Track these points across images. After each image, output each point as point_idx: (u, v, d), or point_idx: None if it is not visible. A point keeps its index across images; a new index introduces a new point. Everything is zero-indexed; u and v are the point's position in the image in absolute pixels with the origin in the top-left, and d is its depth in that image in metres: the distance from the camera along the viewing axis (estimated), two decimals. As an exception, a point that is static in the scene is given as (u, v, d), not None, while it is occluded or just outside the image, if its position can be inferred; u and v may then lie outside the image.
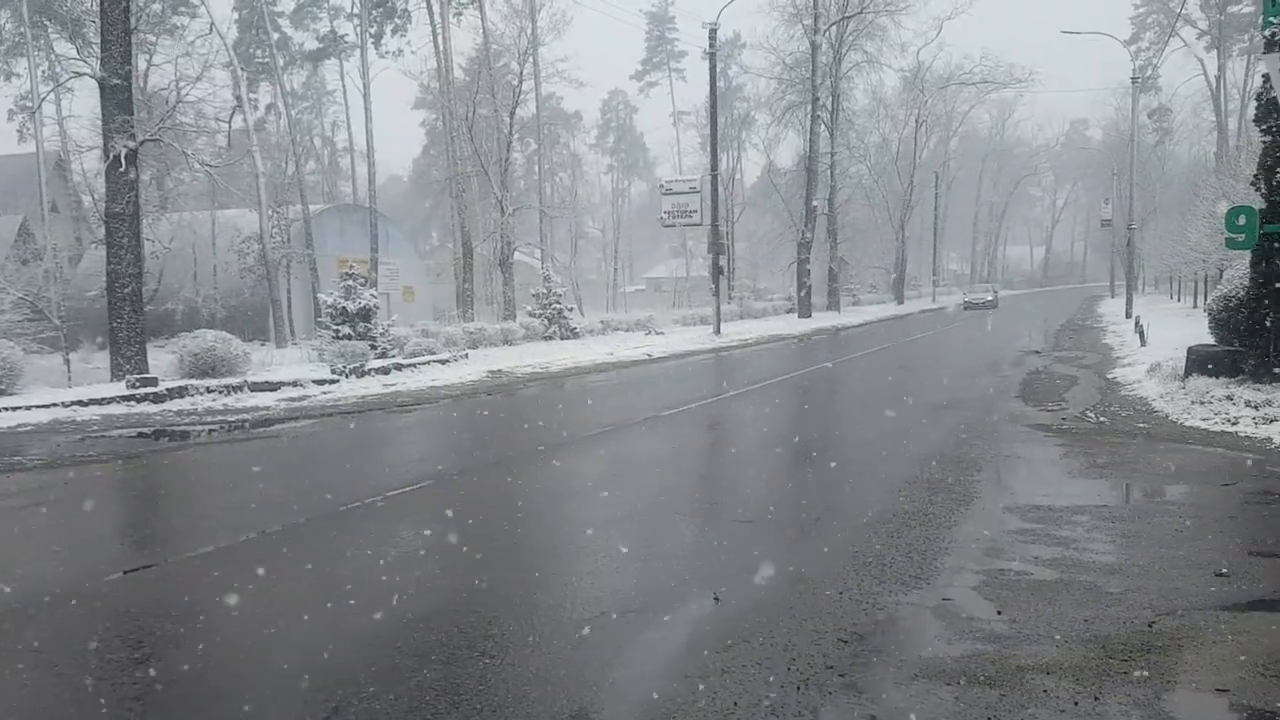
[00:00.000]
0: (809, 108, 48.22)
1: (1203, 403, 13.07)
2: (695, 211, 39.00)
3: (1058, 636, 5.07)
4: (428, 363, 22.28)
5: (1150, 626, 5.20)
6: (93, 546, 7.55)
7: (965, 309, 54.75)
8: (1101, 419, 13.14)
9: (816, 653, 4.88)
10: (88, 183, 32.95)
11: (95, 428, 13.89)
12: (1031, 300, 68.97)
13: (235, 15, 49.27)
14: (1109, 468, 9.86)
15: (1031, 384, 17.53)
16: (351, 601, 5.86)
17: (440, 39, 37.24)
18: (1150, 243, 55.65)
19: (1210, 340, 16.18)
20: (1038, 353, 24.52)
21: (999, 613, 5.44)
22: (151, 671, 4.93)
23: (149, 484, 10.74)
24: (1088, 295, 71.77)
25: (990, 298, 59.10)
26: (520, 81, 39.10)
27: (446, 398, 17.54)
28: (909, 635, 5.20)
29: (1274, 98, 13.17)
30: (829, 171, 50.88)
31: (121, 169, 17.92)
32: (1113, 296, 60.08)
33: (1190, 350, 15.02)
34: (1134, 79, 40.68)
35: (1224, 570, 6.16)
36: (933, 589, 5.90)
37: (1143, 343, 23.03)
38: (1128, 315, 35.46)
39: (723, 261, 37.55)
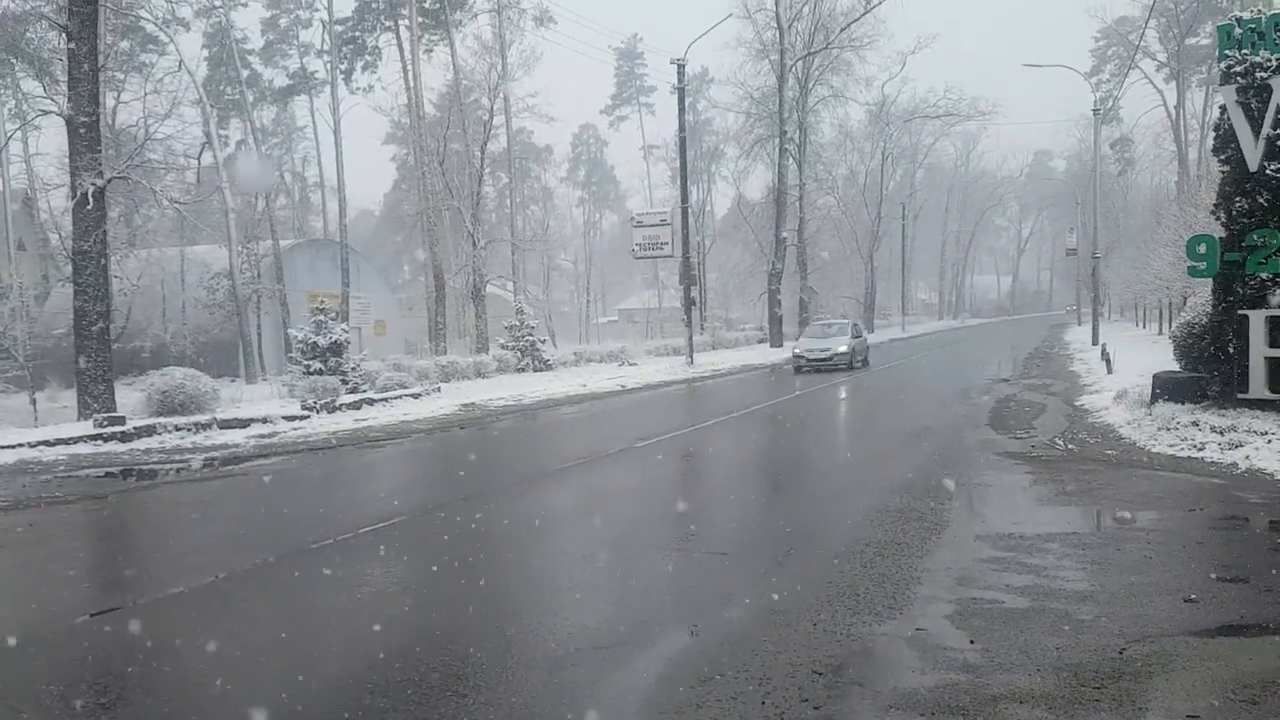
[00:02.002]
0: (777, 141, 48.71)
1: (1169, 429, 13.23)
2: (666, 244, 39.19)
3: (1030, 665, 5.10)
4: (400, 397, 22.17)
5: (1121, 653, 5.24)
6: (59, 589, 7.43)
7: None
8: (1070, 446, 13.26)
9: (791, 685, 4.88)
10: (55, 220, 32.67)
11: (62, 468, 13.70)
12: (998, 329, 69.63)
13: (205, 52, 49.20)
14: (1078, 495, 9.94)
15: (1000, 411, 17.66)
16: (323, 641, 5.81)
17: (410, 75, 37.44)
18: (1115, 270, 56.46)
19: (1175, 367, 16.40)
20: (1006, 380, 24.73)
21: (972, 642, 5.47)
22: (118, 717, 4.85)
23: (116, 524, 10.60)
24: (1054, 323, 72.56)
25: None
26: (491, 116, 39.39)
27: (419, 432, 17.46)
28: (883, 666, 5.22)
29: (1231, 128, 13.45)
30: (798, 203, 51.32)
31: (89, 206, 17.79)
32: (1079, 324, 60.80)
33: (1156, 377, 15.21)
34: (1095, 110, 41.43)
35: (1193, 596, 6.23)
36: (906, 619, 5.92)
37: (1109, 370, 23.27)
38: (1094, 343, 35.86)
39: (694, 293, 37.71)
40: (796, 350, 31.49)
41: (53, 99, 23.69)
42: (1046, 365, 30.31)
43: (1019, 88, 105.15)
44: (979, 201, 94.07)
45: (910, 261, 78.54)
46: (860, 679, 4.99)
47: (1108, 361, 24.35)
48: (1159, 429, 13.40)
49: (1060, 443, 13.56)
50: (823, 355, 30.27)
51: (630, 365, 34.74)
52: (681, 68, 35.44)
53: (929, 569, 7.06)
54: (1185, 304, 22.00)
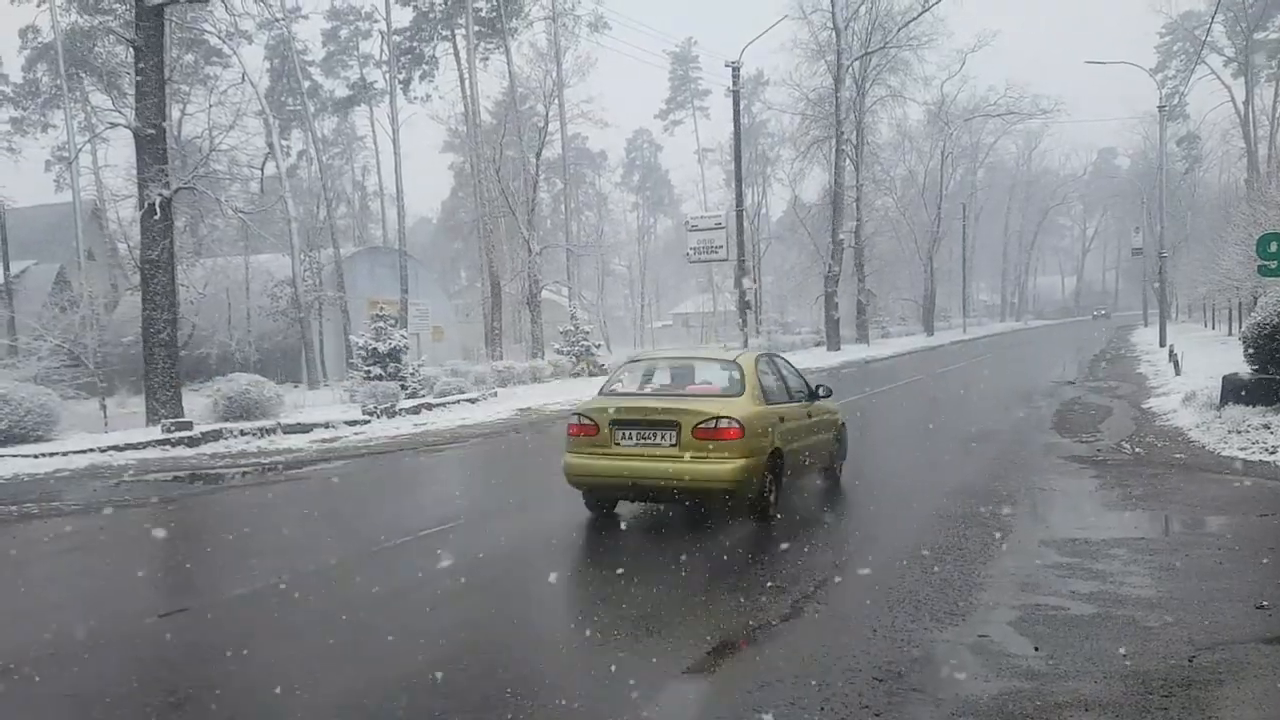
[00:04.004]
0: (833, 142, 48.35)
1: (1239, 432, 12.89)
2: (721, 247, 39.11)
3: (1096, 672, 5.00)
4: (457, 402, 22.38)
5: (1190, 661, 5.11)
6: (128, 590, 7.62)
7: None
8: (1137, 450, 12.99)
9: (852, 691, 4.83)
10: (123, 230, 33.52)
11: (131, 472, 14.04)
12: (1062, 331, 68.39)
13: (267, 64, 50.18)
14: (1145, 499, 9.73)
15: (1065, 415, 17.36)
16: (384, 642, 5.87)
17: (467, 84, 37.81)
18: (1183, 270, 55.23)
19: (1245, 368, 15.97)
20: (1071, 383, 24.29)
21: (1036, 649, 5.37)
22: (186, 716, 4.95)
23: (183, 527, 10.83)
24: (1120, 324, 71.09)
25: None
26: (546, 123, 39.57)
27: (476, 436, 17.60)
28: (945, 673, 5.14)
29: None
30: (855, 204, 50.90)
31: (156, 217, 18.19)
32: (1146, 325, 59.51)
33: (1225, 379, 14.83)
34: (1161, 107, 40.53)
35: (1264, 603, 6.06)
36: (969, 625, 5.84)
37: (1177, 372, 22.76)
38: (1161, 344, 35.08)
39: (750, 296, 37.55)
40: None
41: (121, 111, 24.33)
42: (1113, 367, 29.72)
43: (1082, 85, 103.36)
44: (1042, 200, 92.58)
45: (971, 262, 77.43)
46: (921, 686, 4.93)
47: (1175, 363, 23.81)
48: (1229, 432, 13.07)
49: (1127, 446, 13.29)
50: None
51: (686, 369, 34.64)
52: (736, 70, 35.34)
53: (992, 575, 6.96)
54: (1256, 304, 21.42)
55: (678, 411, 8.67)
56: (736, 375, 9.27)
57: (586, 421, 8.96)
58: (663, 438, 8.56)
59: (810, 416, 10.22)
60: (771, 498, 8.92)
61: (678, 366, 10.50)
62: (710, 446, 8.36)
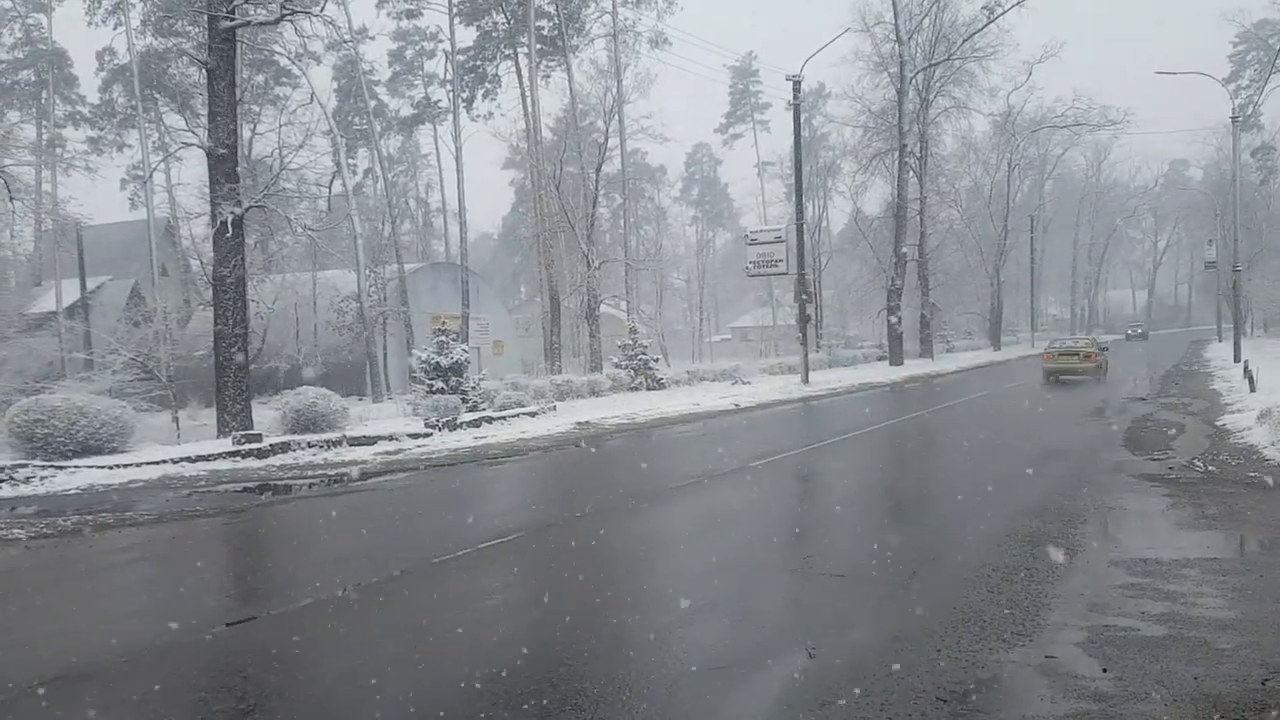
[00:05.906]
0: (896, 155, 47.92)
1: (1319, 450, 12.50)
2: (781, 260, 38.94)
3: (1166, 695, 4.88)
4: (517, 415, 22.56)
5: (1264, 684, 4.97)
6: (199, 599, 7.79)
7: None
8: (1210, 468, 12.65)
9: (914, 712, 4.77)
10: (196, 247, 34.39)
11: (202, 483, 14.35)
12: (1134, 346, 66.86)
13: (334, 85, 51.24)
14: (1219, 519, 9.47)
15: (1136, 432, 16.98)
16: (446, 653, 5.94)
17: (529, 101, 38.23)
18: (1258, 284, 53.75)
19: (1326, 384, 15.51)
20: (1143, 400, 23.76)
21: (1105, 670, 5.26)
22: (255, 722, 5.04)
23: (252, 538, 11.05)
24: (1194, 339, 69.33)
25: None
26: (606, 139, 39.83)
27: (535, 449, 17.71)
28: (1010, 694, 5.06)
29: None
30: (918, 217, 50.36)
31: (228, 234, 18.63)
32: (1220, 340, 57.98)
33: (1304, 395, 14.41)
34: (1234, 118, 39.60)
35: (1347, 627, 5.87)
36: (1035, 646, 5.73)
37: (1252, 388, 22.14)
38: (1236, 360, 34.15)
39: (810, 309, 37.31)
40: None
41: (193, 131, 25.03)
42: (1185, 384, 28.99)
43: (1152, 96, 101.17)
44: (1111, 213, 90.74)
45: (1040, 275, 76.09)
46: (986, 707, 4.86)
47: (1250, 379, 23.17)
48: (1307, 450, 12.68)
49: (1200, 464, 12.95)
50: None
51: (744, 384, 34.57)
52: (797, 84, 35.28)
53: (1060, 595, 6.83)
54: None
55: (1079, 350, 32.88)
56: (1091, 340, 35.71)
57: (1049, 352, 33.19)
58: (1074, 358, 32.19)
59: (1104, 354, 33.16)
60: (1102, 376, 31.85)
61: (1071, 339, 38.44)
62: (1090, 359, 31.76)
